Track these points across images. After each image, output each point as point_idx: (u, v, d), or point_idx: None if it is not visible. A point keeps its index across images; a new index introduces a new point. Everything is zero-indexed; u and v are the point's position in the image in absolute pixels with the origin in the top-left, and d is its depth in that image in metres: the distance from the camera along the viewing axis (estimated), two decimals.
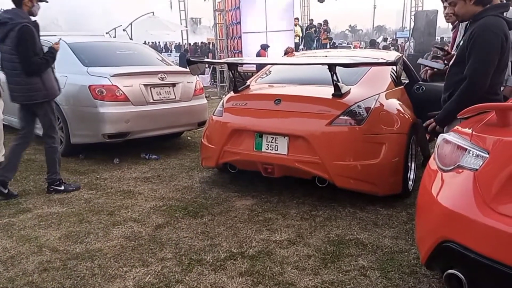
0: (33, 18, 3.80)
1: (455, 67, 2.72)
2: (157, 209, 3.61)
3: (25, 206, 3.69)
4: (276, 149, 3.59)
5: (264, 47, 11.94)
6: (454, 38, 3.68)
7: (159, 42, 29.68)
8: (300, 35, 15.09)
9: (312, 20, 18.59)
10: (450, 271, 1.87)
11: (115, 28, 17.47)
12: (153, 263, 2.71)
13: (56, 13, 33.33)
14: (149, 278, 2.54)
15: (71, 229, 3.21)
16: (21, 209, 3.62)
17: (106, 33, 16.07)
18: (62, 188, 4.01)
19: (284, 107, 3.64)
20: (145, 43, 21.40)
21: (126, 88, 4.95)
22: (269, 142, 3.63)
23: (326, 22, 17.55)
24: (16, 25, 3.67)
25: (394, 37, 25.20)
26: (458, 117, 2.31)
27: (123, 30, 17.20)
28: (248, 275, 2.56)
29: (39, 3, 3.84)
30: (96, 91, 4.83)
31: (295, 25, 14.81)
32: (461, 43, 2.71)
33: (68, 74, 5.16)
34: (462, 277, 1.81)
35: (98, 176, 4.53)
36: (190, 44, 23.53)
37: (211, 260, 2.73)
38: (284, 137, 3.57)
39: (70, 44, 5.51)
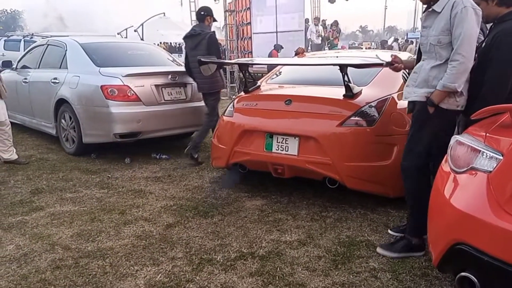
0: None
1: (476, 69, 2.62)
2: (168, 208, 3.63)
3: (38, 204, 3.74)
4: (286, 149, 3.59)
5: (278, 48, 11.92)
6: None
7: (175, 43, 29.53)
8: (323, 35, 14.73)
9: (325, 20, 18.41)
10: (462, 274, 1.85)
11: (126, 29, 17.61)
12: (164, 262, 2.72)
13: (62, 13, 33.54)
14: (160, 277, 2.55)
15: (83, 228, 3.24)
16: (34, 207, 3.67)
17: (118, 34, 16.22)
18: (196, 156, 4.97)
19: (295, 108, 3.64)
20: (160, 44, 21.48)
21: (137, 88, 4.98)
22: (279, 142, 3.63)
23: (336, 22, 17.47)
24: (206, 35, 5.08)
25: (406, 38, 25.00)
26: (472, 118, 2.28)
27: (135, 30, 17.32)
28: (258, 275, 2.56)
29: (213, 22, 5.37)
30: (108, 91, 4.87)
31: (316, 25, 14.68)
32: (483, 45, 2.63)
33: (80, 74, 5.22)
34: (475, 280, 1.79)
35: (109, 176, 4.56)
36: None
37: (221, 260, 2.74)
38: (295, 138, 3.56)
39: (82, 45, 5.58)
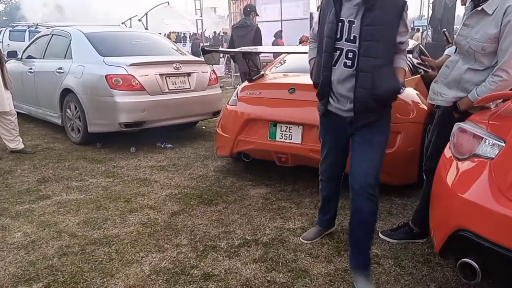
0: None
1: None
2: (173, 196, 3.67)
3: (45, 193, 3.78)
4: (290, 138, 3.60)
5: (279, 36, 11.86)
6: None
7: (179, 33, 29.33)
8: None
9: None
10: (464, 260, 1.86)
11: (130, 18, 17.58)
12: (169, 249, 2.76)
13: (61, 3, 33.34)
14: (165, 263, 2.59)
15: (89, 216, 3.29)
16: (41, 195, 3.72)
17: (122, 23, 16.20)
18: None
19: (299, 96, 3.64)
20: (169, 35, 21.37)
21: (142, 77, 4.99)
22: (283, 131, 3.64)
23: None
24: (254, 27, 6.83)
25: (412, 26, 24.73)
26: (475, 105, 2.28)
27: (139, 20, 17.28)
28: (262, 261, 2.59)
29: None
30: (113, 81, 4.89)
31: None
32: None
33: (85, 63, 5.24)
34: (476, 266, 1.81)
35: (115, 165, 4.60)
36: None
37: (226, 247, 2.77)
38: (298, 126, 3.57)
39: (87, 34, 5.58)
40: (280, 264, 2.56)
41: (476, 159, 1.92)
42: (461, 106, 2.38)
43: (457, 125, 2.13)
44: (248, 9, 7.10)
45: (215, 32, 26.60)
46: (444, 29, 3.26)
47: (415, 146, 3.51)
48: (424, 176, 2.80)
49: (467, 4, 2.40)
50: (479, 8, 2.26)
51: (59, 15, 28.16)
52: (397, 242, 2.78)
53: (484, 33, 2.23)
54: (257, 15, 7.15)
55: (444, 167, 2.12)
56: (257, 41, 6.73)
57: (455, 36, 2.50)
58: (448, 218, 1.97)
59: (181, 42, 25.63)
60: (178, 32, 27.71)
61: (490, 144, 1.88)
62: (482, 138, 1.93)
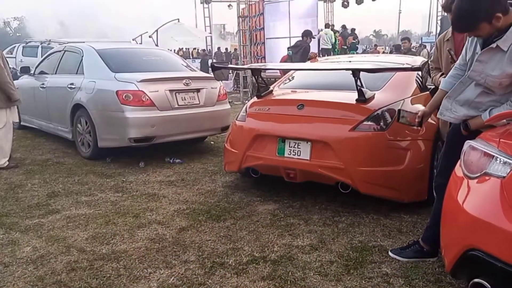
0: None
1: None
2: (181, 212, 3.67)
3: (54, 207, 3.81)
4: (298, 154, 3.60)
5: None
6: (460, 42, 3.16)
7: (187, 49, 29.76)
8: (333, 41, 14.63)
9: (344, 26, 18.17)
10: (476, 280, 1.84)
11: (141, 35, 17.86)
12: (177, 265, 2.75)
13: (66, 19, 33.86)
14: (173, 280, 2.58)
15: (97, 231, 3.29)
16: (50, 210, 3.74)
17: (133, 40, 16.47)
18: None
19: (307, 112, 3.65)
20: (179, 50, 21.69)
21: (152, 93, 5.05)
22: (291, 147, 3.64)
23: (344, 27, 17.46)
24: (302, 47, 9.27)
25: (420, 42, 24.79)
26: (485, 123, 2.27)
27: (149, 36, 17.57)
28: (270, 279, 2.57)
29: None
30: (123, 96, 4.94)
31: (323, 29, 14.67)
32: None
33: (96, 79, 5.32)
34: (489, 286, 1.78)
35: (124, 179, 4.62)
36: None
37: (234, 264, 2.76)
38: (307, 142, 3.57)
39: (98, 51, 5.68)
40: (289, 282, 2.53)
41: (487, 178, 1.91)
42: (471, 126, 2.38)
43: (467, 143, 2.12)
44: (303, 35, 9.68)
45: (226, 49, 26.96)
46: (449, 48, 3.27)
47: (425, 163, 3.49)
48: (435, 193, 2.78)
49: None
50: (493, 46, 2.22)
51: (65, 32, 28.67)
52: (407, 261, 2.74)
53: (501, 71, 2.20)
54: (311, 39, 9.70)
55: (455, 185, 2.10)
56: (303, 58, 8.92)
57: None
58: (459, 237, 1.95)
59: (189, 58, 25.94)
60: (188, 49, 28.11)
61: (501, 162, 1.87)
62: (493, 156, 1.91)
